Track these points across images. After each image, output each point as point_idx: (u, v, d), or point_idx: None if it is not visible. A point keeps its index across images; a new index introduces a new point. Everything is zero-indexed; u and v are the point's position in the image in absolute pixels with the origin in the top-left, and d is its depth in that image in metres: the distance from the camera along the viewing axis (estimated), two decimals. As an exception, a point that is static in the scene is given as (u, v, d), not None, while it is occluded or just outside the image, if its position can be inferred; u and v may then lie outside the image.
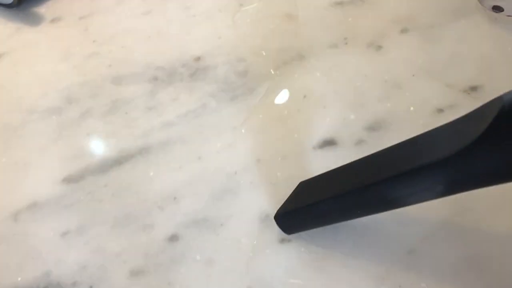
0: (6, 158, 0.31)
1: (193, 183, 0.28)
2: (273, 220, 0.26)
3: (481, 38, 0.32)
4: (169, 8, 0.38)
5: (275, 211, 0.26)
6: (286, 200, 0.26)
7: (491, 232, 0.24)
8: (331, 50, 0.33)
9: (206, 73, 0.33)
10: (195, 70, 0.33)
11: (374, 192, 0.20)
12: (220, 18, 0.36)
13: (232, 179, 0.28)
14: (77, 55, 0.36)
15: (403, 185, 0.19)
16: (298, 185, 0.26)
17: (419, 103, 0.29)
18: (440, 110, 0.29)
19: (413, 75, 0.31)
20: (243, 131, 0.30)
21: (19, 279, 0.26)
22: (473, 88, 0.29)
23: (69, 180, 0.30)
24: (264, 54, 0.34)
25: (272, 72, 0.33)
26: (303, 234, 0.25)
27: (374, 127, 0.29)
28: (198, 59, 0.34)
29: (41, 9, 0.40)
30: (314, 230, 0.25)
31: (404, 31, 0.33)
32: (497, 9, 0.32)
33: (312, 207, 0.23)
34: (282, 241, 0.26)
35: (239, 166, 0.29)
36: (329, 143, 0.29)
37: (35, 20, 0.39)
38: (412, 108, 0.29)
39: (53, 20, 0.39)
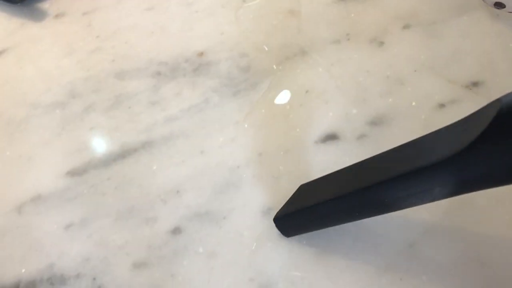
0: (10, 151, 0.31)
1: (196, 177, 0.29)
2: (275, 213, 0.26)
3: (483, 34, 0.32)
4: (172, 4, 0.38)
5: (277, 205, 0.26)
6: (285, 203, 0.26)
7: (491, 226, 0.24)
8: (334, 46, 0.33)
9: (209, 68, 0.33)
10: (198, 65, 0.34)
11: (372, 194, 0.20)
12: (222, 14, 0.37)
13: (235, 173, 0.28)
14: (81, 50, 0.36)
15: (401, 187, 0.19)
16: (298, 188, 0.26)
17: (421, 98, 0.29)
18: (442, 105, 0.29)
19: (415, 71, 0.31)
20: (245, 125, 0.30)
21: (23, 270, 0.27)
22: (475, 84, 0.29)
23: (73, 173, 0.30)
24: (266, 49, 0.34)
25: (275, 68, 0.33)
26: (305, 227, 0.26)
27: (376, 122, 0.29)
28: (201, 54, 0.34)
29: (45, 5, 0.40)
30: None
31: (406, 27, 0.33)
32: (499, 5, 0.32)
33: (311, 210, 0.23)
34: (284, 234, 0.26)
35: (242, 160, 0.29)
36: (331, 137, 0.29)
37: (39, 16, 0.39)
38: (414, 103, 0.29)
39: (57, 16, 0.39)
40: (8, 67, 0.36)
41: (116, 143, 0.31)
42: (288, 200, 0.26)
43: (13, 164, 0.31)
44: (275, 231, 0.26)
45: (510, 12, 0.32)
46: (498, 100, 0.15)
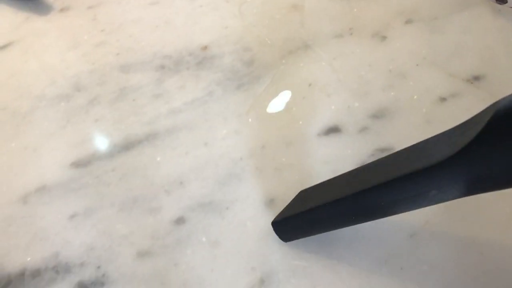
0: (16, 143, 0.32)
1: (199, 168, 0.29)
2: (278, 204, 0.26)
3: (485, 29, 0.32)
4: (176, -1, 0.38)
5: (280, 196, 0.26)
6: (284, 208, 0.26)
7: (491, 217, 0.25)
8: (336, 40, 0.33)
9: (213, 62, 0.34)
10: (201, 59, 0.34)
11: (369, 198, 0.20)
12: (226, 8, 0.37)
13: (238, 165, 0.29)
14: (86, 44, 0.37)
15: (398, 190, 0.19)
16: (298, 194, 0.26)
17: (422, 92, 0.30)
18: (443, 99, 0.29)
19: (417, 65, 0.31)
20: (248, 118, 0.31)
21: (28, 259, 0.27)
22: (476, 78, 0.30)
23: (77, 164, 0.30)
24: (270, 43, 0.34)
25: (278, 61, 0.33)
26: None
27: (377, 115, 0.29)
28: (204, 48, 0.35)
29: (50, -1, 0.40)
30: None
31: (408, 22, 0.33)
32: (500, 0, 0.32)
33: (308, 214, 0.23)
34: (286, 224, 0.26)
35: (245, 152, 0.29)
36: (333, 130, 0.29)
37: (45, 10, 0.40)
38: (415, 97, 0.30)
39: (62, 10, 0.39)
40: (14, 60, 0.37)
41: (120, 135, 0.31)
42: (287, 205, 0.26)
43: (19, 155, 0.31)
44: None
45: (512, 8, 0.32)
46: (495, 103, 0.15)
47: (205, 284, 0.25)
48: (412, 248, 0.24)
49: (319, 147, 0.29)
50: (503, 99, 0.14)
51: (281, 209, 0.26)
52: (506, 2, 0.32)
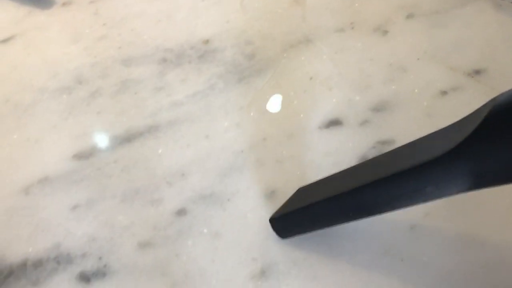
0: (18, 135, 0.32)
1: (200, 160, 0.29)
2: (278, 196, 0.26)
3: (486, 24, 0.32)
4: (178, -7, 0.38)
5: (281, 188, 0.26)
6: (282, 205, 0.26)
7: (492, 208, 0.25)
8: (338, 34, 0.33)
9: (215, 55, 0.34)
10: (203, 52, 0.34)
11: (365, 194, 0.20)
12: (228, 2, 0.37)
13: (239, 157, 0.29)
14: (88, 37, 0.37)
15: (394, 186, 0.19)
16: (297, 191, 0.26)
17: (423, 86, 0.30)
18: (444, 92, 0.29)
19: (418, 59, 0.31)
20: (250, 111, 0.31)
21: (30, 250, 0.27)
22: (477, 72, 0.30)
23: (79, 156, 0.30)
24: (271, 37, 0.34)
25: (280, 55, 0.33)
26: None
27: (378, 108, 0.29)
28: (206, 42, 0.35)
29: (52, -7, 0.41)
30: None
31: (410, 16, 0.33)
32: (502, -5, 0.32)
33: (305, 210, 0.23)
34: (287, 216, 0.26)
35: (246, 144, 0.29)
36: (334, 123, 0.29)
37: (47, 4, 0.40)
38: (416, 90, 0.30)
39: (64, 4, 0.40)
40: (16, 53, 0.37)
41: (122, 127, 0.31)
42: (284, 202, 0.26)
43: (21, 147, 0.31)
44: (279, 213, 0.26)
45: (513, 2, 0.32)
46: (493, 99, 0.15)
47: (206, 275, 0.25)
48: (412, 240, 0.25)
49: (320, 139, 0.29)
50: (501, 94, 0.14)
51: (282, 201, 0.26)
52: (507, -4, 0.32)
